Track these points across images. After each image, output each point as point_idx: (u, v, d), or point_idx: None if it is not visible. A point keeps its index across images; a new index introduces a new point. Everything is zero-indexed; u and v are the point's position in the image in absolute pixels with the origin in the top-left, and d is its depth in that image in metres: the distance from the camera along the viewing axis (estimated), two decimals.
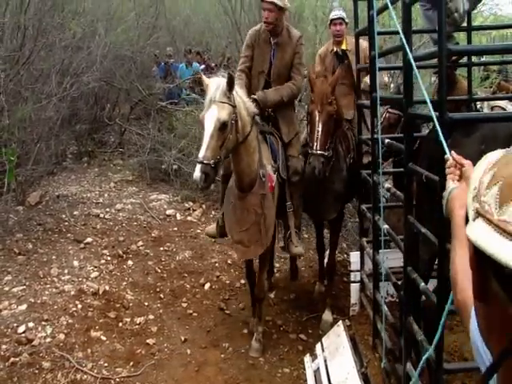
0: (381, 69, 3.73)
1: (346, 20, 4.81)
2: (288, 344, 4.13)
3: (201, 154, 3.10)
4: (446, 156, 1.55)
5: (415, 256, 2.79)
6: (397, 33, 2.76)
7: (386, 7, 2.79)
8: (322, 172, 3.62)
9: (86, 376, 3.53)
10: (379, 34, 3.51)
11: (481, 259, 0.67)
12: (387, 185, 3.18)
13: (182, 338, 4.05)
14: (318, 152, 3.61)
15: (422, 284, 2.47)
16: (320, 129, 3.66)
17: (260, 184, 3.58)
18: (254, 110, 3.61)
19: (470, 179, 1.35)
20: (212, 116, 3.14)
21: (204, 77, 3.46)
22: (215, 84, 3.22)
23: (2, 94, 5.19)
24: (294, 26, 9.25)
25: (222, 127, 3.14)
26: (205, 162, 3.07)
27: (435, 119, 1.83)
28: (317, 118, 3.68)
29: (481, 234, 0.66)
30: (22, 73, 5.81)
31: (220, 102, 3.17)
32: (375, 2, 3.19)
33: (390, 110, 3.99)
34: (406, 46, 2.14)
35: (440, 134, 1.69)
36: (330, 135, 3.73)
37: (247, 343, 4.07)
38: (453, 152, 1.49)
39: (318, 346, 3.83)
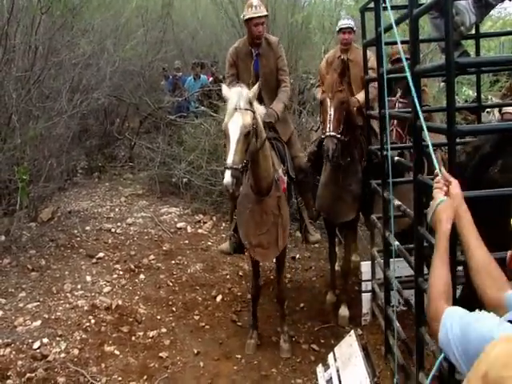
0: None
1: (355, 29, 4.88)
2: (300, 354, 4.13)
3: (229, 160, 3.21)
4: (436, 171, 1.62)
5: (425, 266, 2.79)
6: (406, 42, 2.80)
7: (391, 27, 2.82)
8: (336, 155, 3.72)
9: None
10: (386, 44, 3.53)
11: None
12: (397, 202, 3.18)
13: (195, 351, 4.07)
14: (331, 133, 3.72)
15: None
16: (332, 112, 3.80)
17: (275, 187, 3.77)
18: (264, 118, 3.80)
19: (456, 197, 1.43)
20: (237, 123, 3.29)
21: (224, 87, 3.57)
22: (237, 93, 3.38)
23: (13, 113, 5.28)
24: (302, 37, 9.35)
25: (247, 133, 3.30)
26: (234, 166, 3.18)
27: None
28: (328, 104, 3.83)
29: None
30: (33, 91, 5.91)
31: (244, 110, 3.33)
32: (382, 18, 3.22)
33: (400, 99, 4.00)
34: (406, 65, 2.16)
35: (430, 148, 1.75)
36: (342, 121, 3.84)
37: (260, 354, 4.08)
38: (443, 169, 1.59)
39: (331, 355, 3.82)
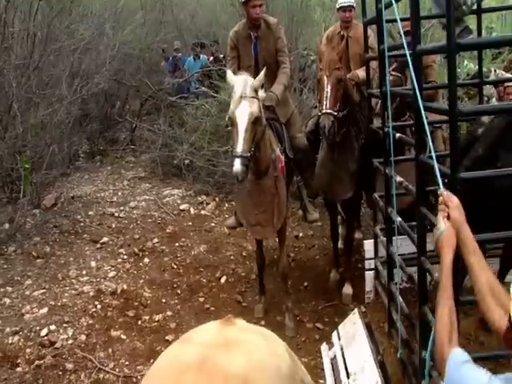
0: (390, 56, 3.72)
1: (355, 5, 4.77)
2: (305, 333, 4.16)
3: (239, 149, 3.28)
4: (438, 191, 1.59)
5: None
6: (407, 19, 2.73)
7: (391, 4, 2.75)
8: (332, 132, 3.73)
9: (108, 375, 3.62)
10: (387, 21, 3.44)
11: None
12: (399, 178, 3.16)
13: None
14: (328, 111, 3.71)
15: (437, 274, 2.46)
16: (329, 90, 3.79)
17: (273, 167, 3.81)
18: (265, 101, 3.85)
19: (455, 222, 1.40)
20: (245, 111, 3.33)
21: (229, 73, 3.61)
22: (242, 81, 3.43)
23: (14, 101, 5.26)
24: (302, 14, 9.18)
25: (255, 120, 3.36)
26: (244, 155, 3.26)
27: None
28: (325, 82, 3.83)
29: None
30: (33, 78, 5.87)
31: (250, 98, 3.38)
32: None
33: (392, 72, 3.96)
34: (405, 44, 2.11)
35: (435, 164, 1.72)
36: (340, 99, 3.83)
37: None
38: (443, 189, 1.56)
39: (335, 334, 3.84)
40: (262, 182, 3.80)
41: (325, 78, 3.84)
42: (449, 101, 2.09)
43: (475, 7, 3.37)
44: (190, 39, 10.88)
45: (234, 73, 3.78)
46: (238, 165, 3.23)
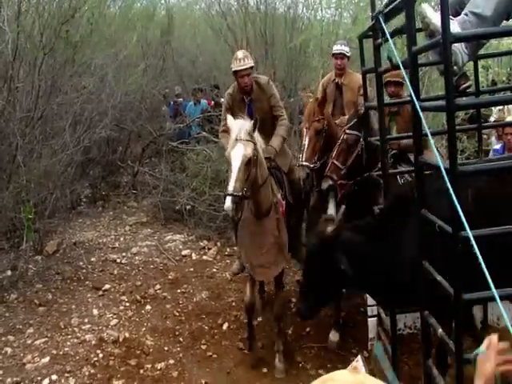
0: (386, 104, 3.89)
1: (348, 54, 4.94)
2: (307, 380, 4.10)
3: (230, 187, 3.46)
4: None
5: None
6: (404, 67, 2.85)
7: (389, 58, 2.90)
8: (308, 183, 4.15)
9: None
10: (385, 72, 3.58)
11: None
12: None
13: (203, 382, 4.07)
14: (304, 163, 4.03)
15: (440, 330, 2.49)
16: (307, 142, 4.10)
17: (274, 210, 3.99)
18: (269, 153, 4.10)
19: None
20: (239, 152, 3.54)
21: (229, 117, 3.83)
22: (239, 125, 3.66)
23: (18, 153, 5.38)
24: (301, 59, 9.45)
25: (248, 162, 3.54)
26: (235, 193, 3.43)
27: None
28: (304, 134, 4.16)
29: None
30: (37, 128, 6.02)
31: (245, 140, 3.58)
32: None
33: (347, 131, 4.10)
34: (414, 97, 2.24)
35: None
36: (318, 150, 4.10)
37: (268, 383, 4.07)
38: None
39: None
40: (264, 224, 3.95)
41: (304, 130, 4.19)
42: (449, 155, 2.17)
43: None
44: (191, 84, 11.17)
45: (226, 137, 4.02)
46: (228, 202, 3.42)
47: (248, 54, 4.33)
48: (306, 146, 4.09)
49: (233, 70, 4.27)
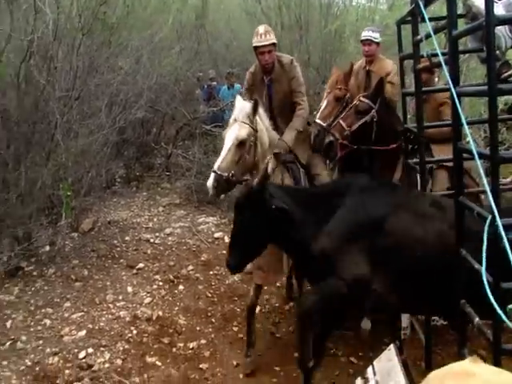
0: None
1: (376, 40, 4.82)
2: (338, 367, 4.11)
3: (216, 165, 3.42)
4: None
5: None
6: (444, 54, 2.78)
7: (429, 35, 2.81)
8: (318, 141, 3.95)
9: None
10: (423, 57, 3.51)
11: None
12: None
13: (234, 363, 4.12)
14: (317, 120, 4.03)
15: (477, 319, 2.44)
16: (324, 104, 4.17)
17: None
18: (280, 147, 3.85)
19: None
20: (232, 133, 3.47)
21: (238, 98, 3.75)
22: (240, 106, 3.58)
23: (57, 132, 5.48)
24: (336, 45, 9.34)
25: (240, 144, 3.44)
26: (218, 172, 3.36)
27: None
28: (324, 96, 4.27)
29: None
30: (74, 108, 6.12)
31: (241, 122, 3.50)
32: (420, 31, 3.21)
33: (361, 98, 4.04)
34: (452, 85, 2.16)
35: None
36: (334, 115, 4.09)
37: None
38: None
39: (370, 369, 3.78)
40: None
41: (325, 93, 4.27)
42: (490, 142, 2.12)
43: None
44: (225, 68, 11.14)
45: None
46: (210, 180, 3.37)
47: (270, 29, 4.04)
48: (323, 108, 4.12)
49: (253, 45, 4.02)
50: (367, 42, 4.80)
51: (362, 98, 4.01)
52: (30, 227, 5.27)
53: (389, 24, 9.83)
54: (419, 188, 3.84)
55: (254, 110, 3.55)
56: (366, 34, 4.83)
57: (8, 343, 4.06)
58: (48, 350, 3.99)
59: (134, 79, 7.50)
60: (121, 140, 7.78)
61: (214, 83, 10.14)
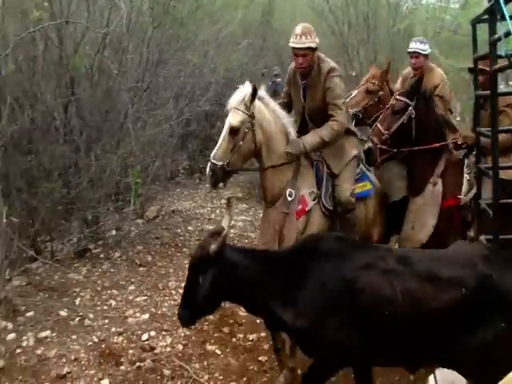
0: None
1: (424, 52, 4.65)
2: (399, 374, 3.96)
3: (212, 154, 3.32)
4: None
5: None
6: None
7: (509, 33, 2.64)
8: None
9: None
10: (499, 57, 3.30)
11: None
12: None
13: None
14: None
15: None
16: (353, 94, 4.32)
17: (285, 202, 3.49)
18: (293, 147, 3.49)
19: None
20: (227, 121, 3.34)
21: (247, 82, 3.45)
22: (238, 92, 3.39)
23: (127, 121, 5.64)
24: (404, 46, 9.14)
25: (232, 132, 3.28)
26: (213, 161, 3.27)
27: None
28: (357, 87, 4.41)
29: None
30: (143, 99, 6.28)
31: (235, 109, 3.32)
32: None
33: (397, 96, 3.82)
34: None
35: None
36: (363, 105, 4.27)
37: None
38: None
39: (431, 377, 3.63)
40: (268, 212, 3.59)
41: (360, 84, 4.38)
42: None
43: None
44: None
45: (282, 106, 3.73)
46: (207, 168, 3.32)
47: (312, 30, 3.56)
48: (352, 96, 4.21)
49: (289, 45, 3.60)
50: (414, 54, 4.65)
51: (397, 97, 3.82)
52: (98, 211, 5.46)
53: (460, 23, 9.48)
54: (466, 191, 3.70)
55: (253, 95, 3.29)
56: (414, 46, 4.67)
57: (77, 319, 4.22)
58: (113, 329, 4.10)
59: (201, 72, 7.61)
60: (186, 132, 7.92)
61: (279, 80, 10.13)
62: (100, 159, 5.47)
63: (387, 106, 3.87)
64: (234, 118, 3.29)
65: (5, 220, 4.12)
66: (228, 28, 8.83)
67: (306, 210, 3.55)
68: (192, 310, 2.70)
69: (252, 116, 3.33)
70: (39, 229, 5.10)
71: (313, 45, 3.53)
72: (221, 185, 3.47)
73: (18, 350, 3.78)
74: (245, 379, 3.79)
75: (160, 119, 6.54)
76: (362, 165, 3.92)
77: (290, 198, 3.48)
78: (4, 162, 4.39)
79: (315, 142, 3.52)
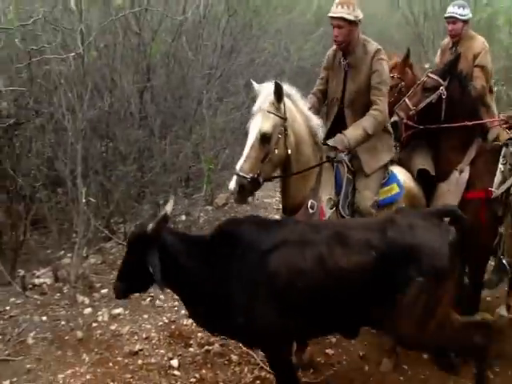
0: None
1: (462, 18, 4.27)
2: (471, 375, 3.76)
3: (238, 166, 2.89)
4: None
5: None
6: None
7: None
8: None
9: (269, 375, 3.64)
10: None
11: None
12: None
13: (360, 354, 3.96)
14: None
15: None
16: None
17: (305, 214, 3.12)
18: (337, 142, 3.20)
19: None
20: (255, 126, 2.93)
21: (254, 84, 3.20)
22: (266, 91, 3.00)
23: (200, 107, 5.71)
24: (485, 36, 8.70)
25: (264, 139, 2.89)
26: (241, 174, 2.85)
27: None
28: None
29: None
30: (216, 86, 6.34)
31: (266, 112, 2.93)
32: None
33: (429, 74, 3.59)
34: None
35: None
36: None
37: (428, 369, 3.81)
38: None
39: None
40: None
41: None
42: None
43: None
44: None
45: (311, 100, 3.53)
46: (232, 183, 2.87)
47: (352, 1, 3.21)
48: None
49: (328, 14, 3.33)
50: (451, 19, 4.29)
51: (430, 74, 3.62)
52: (169, 196, 5.56)
53: None
54: (499, 183, 3.42)
55: (278, 94, 2.93)
56: (451, 10, 4.30)
57: (148, 299, 4.35)
58: (182, 311, 4.16)
59: (274, 61, 7.59)
60: None
61: None
62: (173, 144, 5.58)
63: (418, 82, 3.70)
64: (264, 123, 2.90)
65: (84, 200, 4.29)
66: (301, 17, 8.77)
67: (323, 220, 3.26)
68: (126, 284, 2.74)
69: (284, 118, 2.98)
70: (113, 210, 5.28)
71: (349, 16, 3.18)
72: (250, 199, 3.25)
73: (94, 324, 3.96)
74: (311, 370, 3.75)
75: (231, 107, 6.58)
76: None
77: (311, 211, 3.13)
78: (83, 145, 4.55)
79: (359, 136, 3.22)
